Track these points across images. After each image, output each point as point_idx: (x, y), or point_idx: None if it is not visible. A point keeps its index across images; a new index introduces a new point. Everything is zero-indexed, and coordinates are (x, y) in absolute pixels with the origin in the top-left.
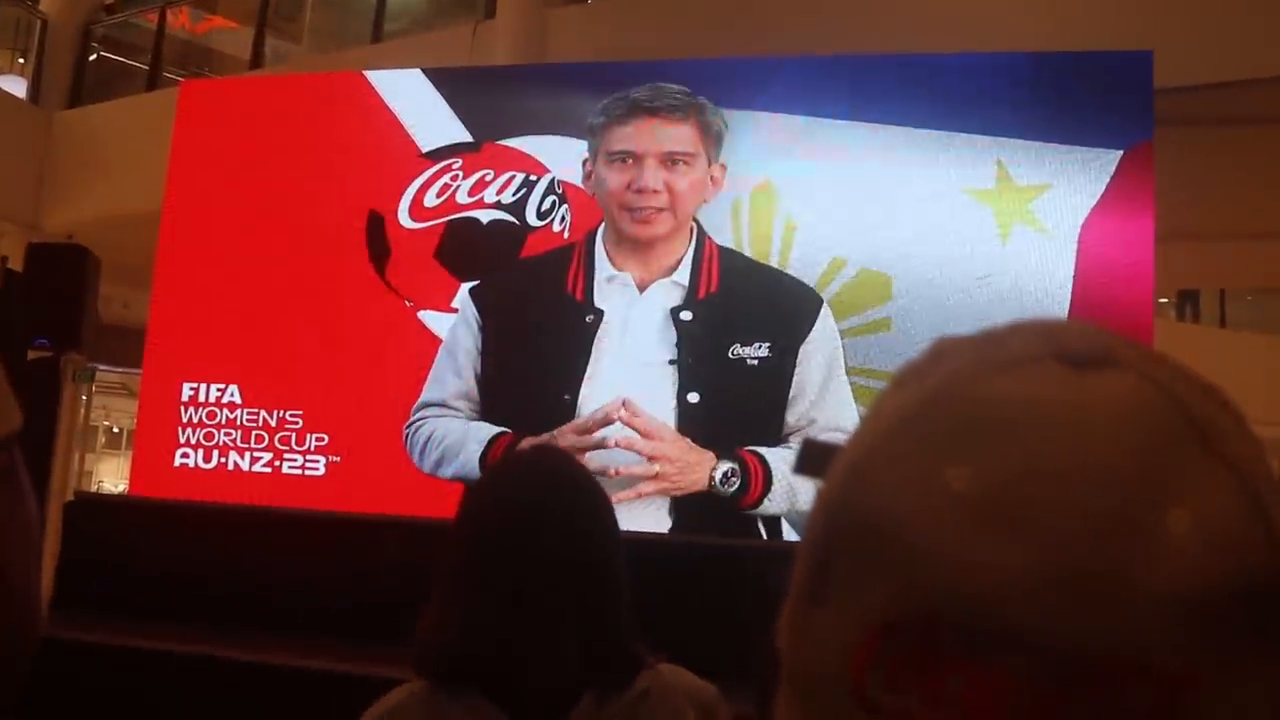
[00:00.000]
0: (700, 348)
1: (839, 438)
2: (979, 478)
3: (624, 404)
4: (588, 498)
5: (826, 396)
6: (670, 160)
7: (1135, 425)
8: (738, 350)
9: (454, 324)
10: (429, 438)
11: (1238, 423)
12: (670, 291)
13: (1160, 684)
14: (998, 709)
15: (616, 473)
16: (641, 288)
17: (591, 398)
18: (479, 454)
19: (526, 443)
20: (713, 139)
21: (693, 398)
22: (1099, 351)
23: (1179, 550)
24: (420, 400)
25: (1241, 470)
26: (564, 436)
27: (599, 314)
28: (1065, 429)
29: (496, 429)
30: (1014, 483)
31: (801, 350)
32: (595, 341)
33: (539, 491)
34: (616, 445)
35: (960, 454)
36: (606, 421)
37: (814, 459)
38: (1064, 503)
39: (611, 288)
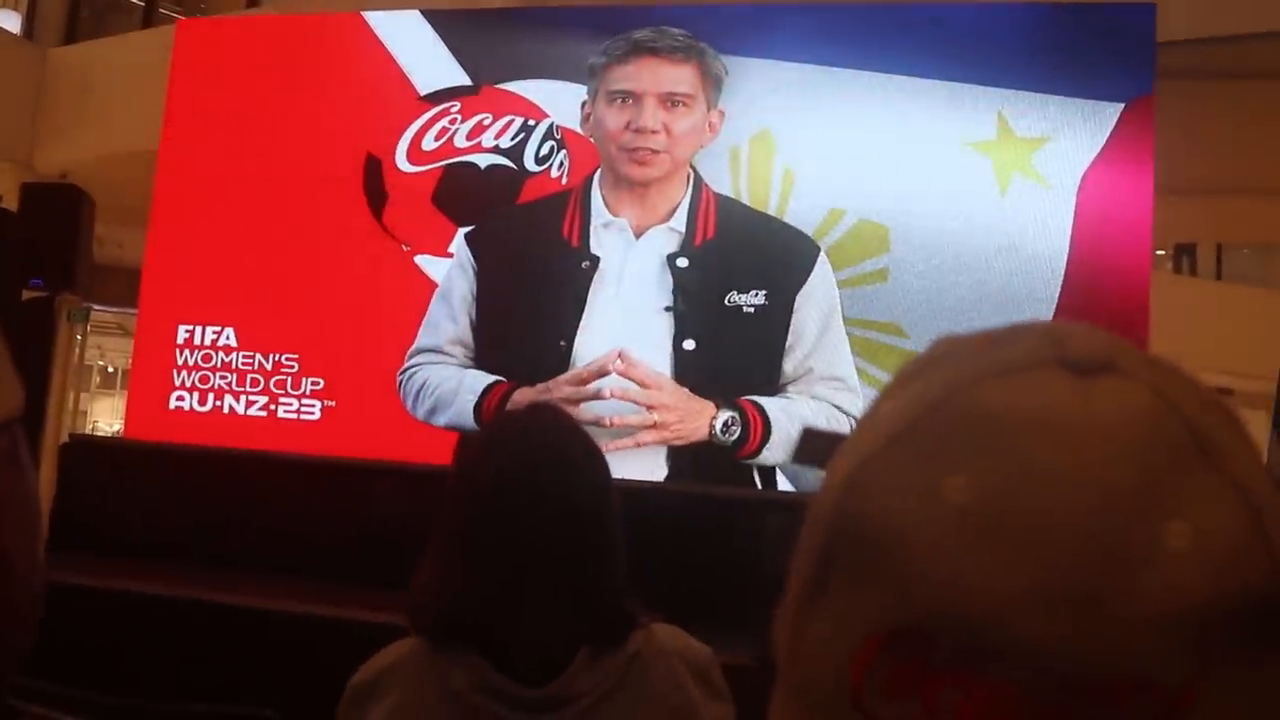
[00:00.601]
0: (697, 295)
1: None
2: (978, 489)
3: (619, 355)
4: (583, 457)
5: (823, 345)
6: (670, 101)
7: (1136, 437)
8: (734, 298)
9: (449, 269)
10: (422, 385)
11: (1240, 436)
12: (667, 238)
13: (1158, 700)
14: (995, 719)
15: (612, 423)
16: (638, 234)
17: (587, 344)
18: (473, 403)
19: (521, 394)
20: (712, 83)
21: (689, 345)
22: (1103, 358)
23: (1178, 566)
24: (414, 346)
25: (1243, 485)
26: (559, 388)
27: (595, 260)
28: (1065, 440)
29: (491, 378)
30: (1013, 495)
31: (798, 298)
32: (591, 288)
33: (534, 452)
34: (613, 396)
35: (959, 464)
36: (602, 373)
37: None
38: (1063, 517)
39: (608, 234)
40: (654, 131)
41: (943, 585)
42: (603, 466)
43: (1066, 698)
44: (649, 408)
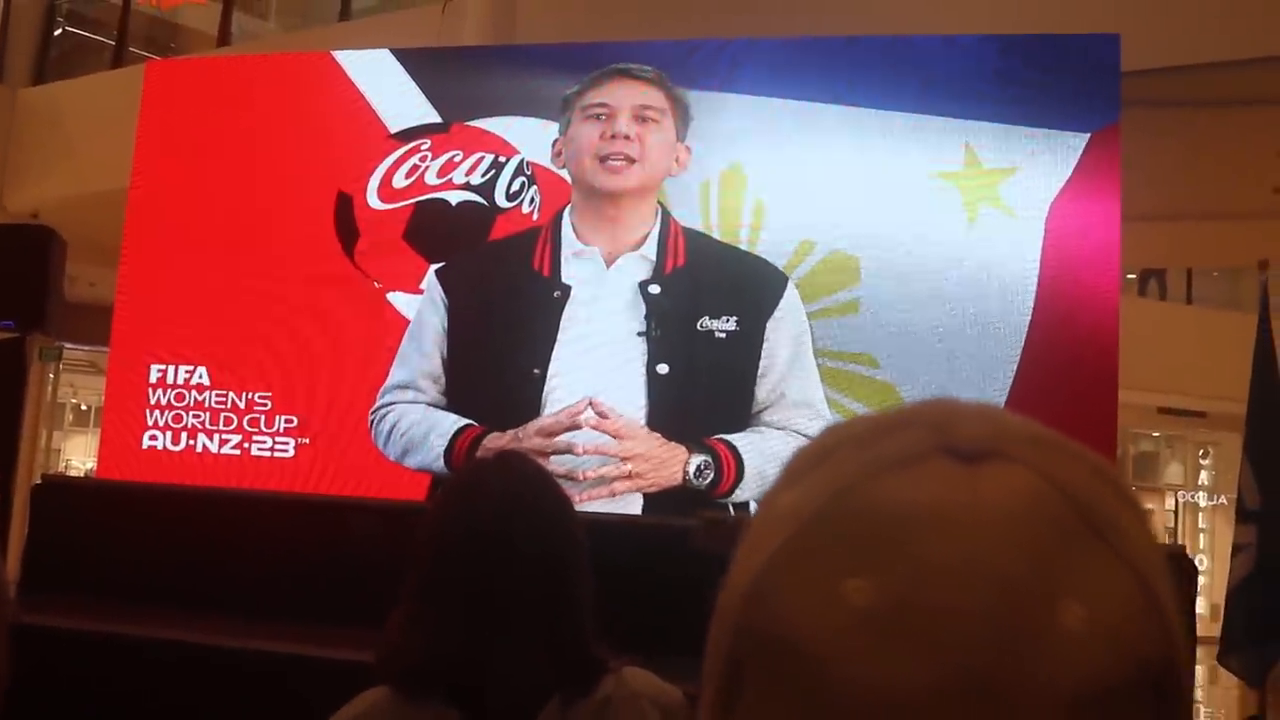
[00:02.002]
0: (669, 320)
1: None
2: (877, 590)
3: (590, 404)
4: (552, 506)
5: (795, 371)
6: (642, 115)
7: (1024, 522)
8: (706, 323)
9: (420, 305)
10: (393, 427)
11: (1129, 507)
12: (638, 265)
13: None
14: None
15: (585, 476)
16: (609, 262)
17: (560, 372)
18: (443, 448)
19: (492, 440)
20: (681, 114)
21: (662, 369)
22: (986, 444)
23: (1076, 646)
24: (386, 384)
25: (1131, 559)
26: (529, 439)
27: (566, 289)
28: (955, 533)
29: (461, 421)
30: (911, 592)
31: (769, 324)
32: (563, 316)
33: (503, 502)
34: (585, 451)
35: (857, 566)
36: (573, 426)
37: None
38: (958, 611)
39: (579, 262)
40: (627, 138)
41: (851, 689)
42: (571, 515)
43: None
44: (623, 459)
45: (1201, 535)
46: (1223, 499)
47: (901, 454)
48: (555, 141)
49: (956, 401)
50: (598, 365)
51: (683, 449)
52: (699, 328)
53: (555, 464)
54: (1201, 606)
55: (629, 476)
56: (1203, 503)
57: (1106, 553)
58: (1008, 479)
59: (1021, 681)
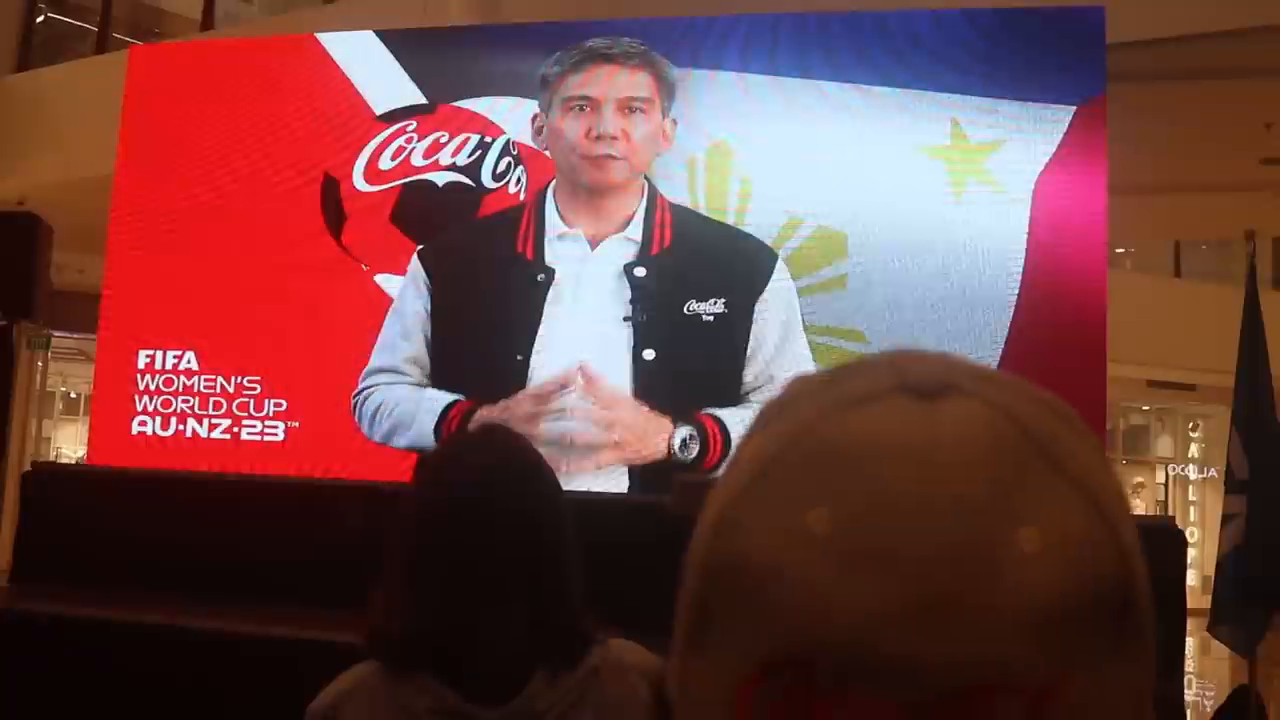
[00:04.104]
0: (655, 304)
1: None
2: (836, 519)
3: (581, 369)
4: (536, 477)
5: (784, 353)
6: (628, 107)
7: (979, 451)
8: (693, 306)
9: (402, 286)
10: (378, 407)
11: (1080, 434)
12: (623, 247)
13: (1025, 700)
14: None
15: (574, 440)
16: (594, 244)
17: (545, 359)
18: (433, 424)
19: (481, 413)
20: (667, 90)
21: (649, 355)
22: (940, 381)
23: (1031, 568)
24: (368, 367)
25: (1085, 483)
26: (520, 404)
27: (550, 273)
28: (913, 462)
29: (450, 397)
30: (869, 520)
31: (757, 306)
32: (547, 301)
33: (487, 473)
34: (573, 415)
35: (817, 497)
36: (564, 386)
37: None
38: (917, 534)
39: (563, 245)
40: (614, 137)
41: (813, 614)
42: (556, 487)
43: (939, 709)
44: (608, 425)
45: (1192, 508)
46: (1213, 472)
47: (861, 393)
48: (535, 117)
49: (911, 348)
50: (582, 352)
51: (667, 421)
52: (686, 311)
53: (545, 430)
54: (1192, 579)
55: (615, 446)
56: (1193, 475)
57: (1060, 480)
58: (964, 411)
59: (978, 602)
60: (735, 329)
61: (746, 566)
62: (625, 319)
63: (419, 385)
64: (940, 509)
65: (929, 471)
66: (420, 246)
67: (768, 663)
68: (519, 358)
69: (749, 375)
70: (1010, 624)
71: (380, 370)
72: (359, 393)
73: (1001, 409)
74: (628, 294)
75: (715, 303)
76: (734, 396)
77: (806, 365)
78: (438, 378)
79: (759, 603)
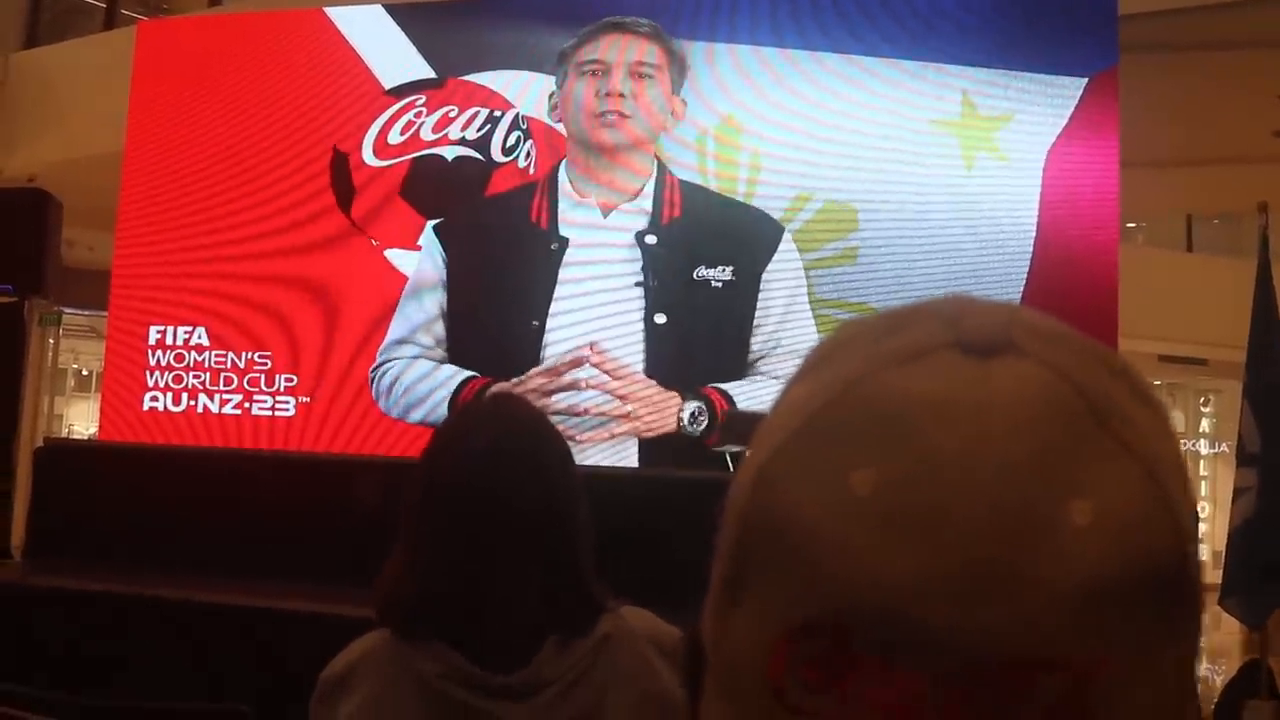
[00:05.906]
0: (666, 270)
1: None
2: (882, 481)
3: (591, 346)
4: (547, 445)
5: (789, 323)
6: (638, 72)
7: (1034, 417)
8: (703, 272)
9: (418, 261)
10: (394, 382)
11: (1144, 403)
12: (635, 217)
13: (1066, 679)
14: (908, 707)
15: (586, 411)
16: (606, 214)
17: (560, 324)
18: (448, 399)
19: (498, 389)
20: (677, 67)
21: (660, 319)
22: (998, 338)
23: (1082, 542)
24: (385, 341)
25: (1144, 455)
26: (532, 380)
27: (564, 241)
28: (962, 425)
29: (465, 373)
30: (916, 484)
31: (765, 275)
32: (561, 268)
33: (499, 441)
34: (585, 387)
35: (863, 457)
36: (575, 364)
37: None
38: (965, 502)
39: (576, 215)
40: (623, 95)
41: (852, 578)
42: (568, 455)
43: (976, 682)
44: (620, 398)
45: (1203, 483)
46: (1224, 446)
47: (912, 347)
48: (551, 95)
49: (970, 297)
50: (596, 317)
51: (675, 395)
52: (695, 277)
53: (556, 401)
54: (1203, 553)
55: (626, 416)
56: (1204, 450)
57: (1117, 449)
58: (1018, 373)
59: (1023, 575)
60: (743, 296)
61: (786, 526)
62: (637, 284)
63: (434, 357)
64: (987, 476)
65: (978, 435)
66: (435, 221)
67: (804, 624)
68: (535, 323)
69: (756, 343)
70: (1055, 598)
71: (396, 343)
72: (377, 367)
73: (1059, 370)
74: (639, 261)
75: (724, 270)
76: (743, 361)
77: (812, 335)
78: (454, 347)
79: (797, 563)
